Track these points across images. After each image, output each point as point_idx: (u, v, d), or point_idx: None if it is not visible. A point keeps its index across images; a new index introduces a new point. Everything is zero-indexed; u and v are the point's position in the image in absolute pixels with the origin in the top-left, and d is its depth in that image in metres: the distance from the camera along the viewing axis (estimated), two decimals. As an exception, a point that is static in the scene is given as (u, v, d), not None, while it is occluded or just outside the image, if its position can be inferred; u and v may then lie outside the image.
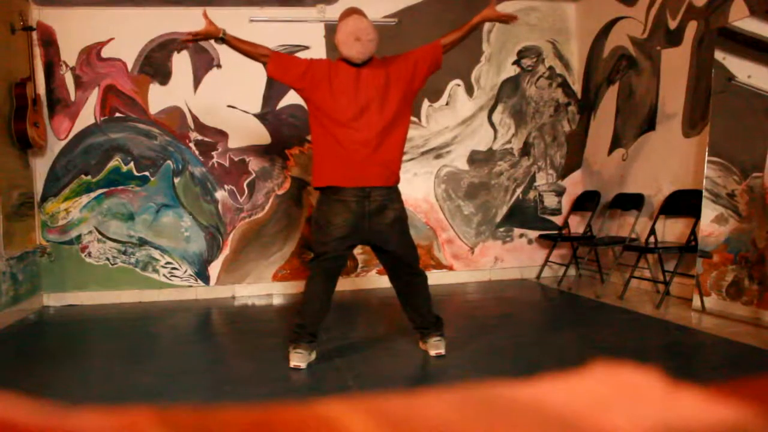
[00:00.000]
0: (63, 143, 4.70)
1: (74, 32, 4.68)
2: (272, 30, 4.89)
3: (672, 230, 4.22)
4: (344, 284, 4.96)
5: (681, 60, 4.17)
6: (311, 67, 2.84)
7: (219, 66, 4.85)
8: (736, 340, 3.01)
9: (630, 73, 4.72)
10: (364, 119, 2.75)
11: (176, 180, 4.81)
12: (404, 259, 2.89)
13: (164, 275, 4.81)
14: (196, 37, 2.86)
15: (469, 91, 5.21)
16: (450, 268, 5.20)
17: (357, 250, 4.99)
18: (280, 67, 2.86)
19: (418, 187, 5.13)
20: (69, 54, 4.69)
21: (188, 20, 4.79)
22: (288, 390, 2.58)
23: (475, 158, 5.23)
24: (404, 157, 5.08)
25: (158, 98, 4.79)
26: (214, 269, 4.88)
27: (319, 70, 2.82)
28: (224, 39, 2.85)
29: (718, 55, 3.75)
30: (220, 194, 4.87)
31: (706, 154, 3.79)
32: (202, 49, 4.83)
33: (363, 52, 2.76)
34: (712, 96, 3.80)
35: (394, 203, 2.84)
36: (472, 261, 5.25)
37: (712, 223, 3.72)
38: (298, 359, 2.78)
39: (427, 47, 2.92)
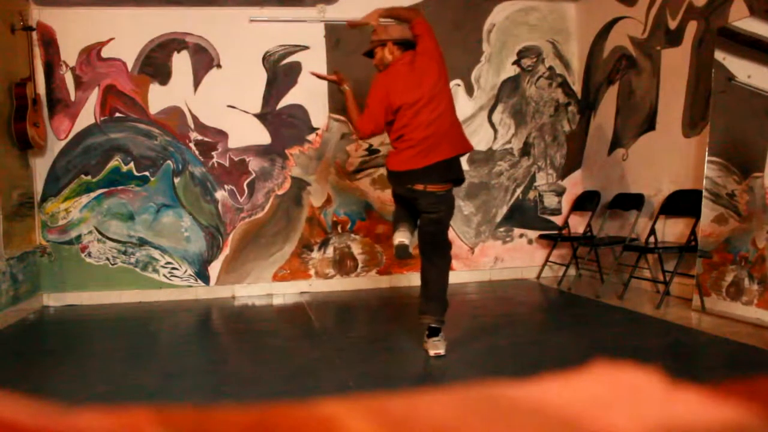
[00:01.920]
0: (63, 143, 4.70)
1: (74, 32, 4.68)
2: (272, 30, 4.89)
3: (672, 230, 4.22)
4: (344, 284, 4.97)
5: (681, 60, 4.17)
6: (386, 97, 3.09)
7: (219, 66, 4.85)
8: (736, 340, 3.01)
9: (630, 73, 4.72)
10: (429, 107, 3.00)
11: (176, 180, 4.81)
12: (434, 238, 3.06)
13: (164, 275, 4.81)
14: (325, 77, 3.61)
15: (469, 91, 5.21)
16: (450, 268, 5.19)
17: (357, 250, 5.01)
18: (370, 123, 3.14)
19: (418, 187, 5.12)
20: (69, 54, 4.69)
21: (188, 20, 4.81)
22: (288, 390, 2.58)
23: (475, 158, 5.23)
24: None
25: (158, 98, 4.79)
26: (214, 269, 4.87)
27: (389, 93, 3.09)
28: (344, 92, 3.33)
29: (718, 55, 3.75)
30: (220, 194, 4.87)
31: (706, 154, 3.79)
32: (202, 49, 4.83)
33: None
34: (712, 96, 3.80)
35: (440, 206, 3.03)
36: (472, 261, 5.25)
37: (712, 223, 3.72)
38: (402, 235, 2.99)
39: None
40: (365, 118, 3.12)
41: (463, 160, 5.21)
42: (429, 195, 2.93)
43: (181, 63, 4.82)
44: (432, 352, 2.91)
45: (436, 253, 3.06)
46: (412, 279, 5.08)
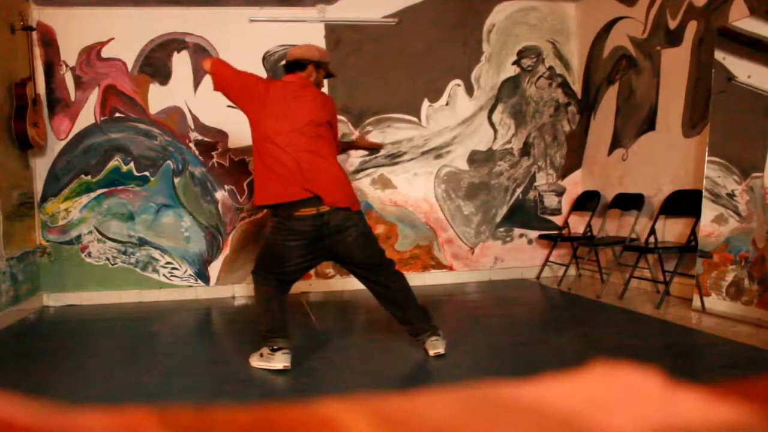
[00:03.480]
0: (63, 143, 4.70)
1: (74, 32, 4.68)
2: (272, 30, 4.89)
3: (672, 230, 4.22)
4: (344, 284, 4.97)
5: (681, 60, 4.17)
6: None
7: (219, 66, 4.84)
8: (736, 340, 3.01)
9: (630, 73, 4.72)
10: None
11: (176, 180, 4.81)
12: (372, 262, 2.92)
13: (164, 275, 4.81)
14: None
15: (469, 91, 5.21)
16: (450, 268, 5.20)
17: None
18: None
19: (418, 187, 5.13)
20: (69, 54, 4.69)
21: (188, 20, 4.81)
22: (288, 390, 2.58)
23: (475, 158, 5.23)
24: (405, 157, 5.11)
25: (158, 98, 4.79)
26: (214, 269, 4.87)
27: None
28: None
29: (718, 55, 3.75)
30: (220, 194, 4.87)
31: (706, 154, 3.79)
32: (202, 49, 4.83)
33: None
34: (712, 96, 3.80)
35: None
36: (472, 261, 5.25)
37: (712, 223, 3.72)
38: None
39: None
40: None
41: (464, 160, 5.26)
42: (339, 211, 2.77)
43: (181, 63, 4.82)
44: (432, 352, 2.90)
45: (389, 273, 2.94)
46: (413, 279, 5.06)
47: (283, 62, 3.03)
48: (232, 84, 2.83)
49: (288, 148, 2.77)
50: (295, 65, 2.92)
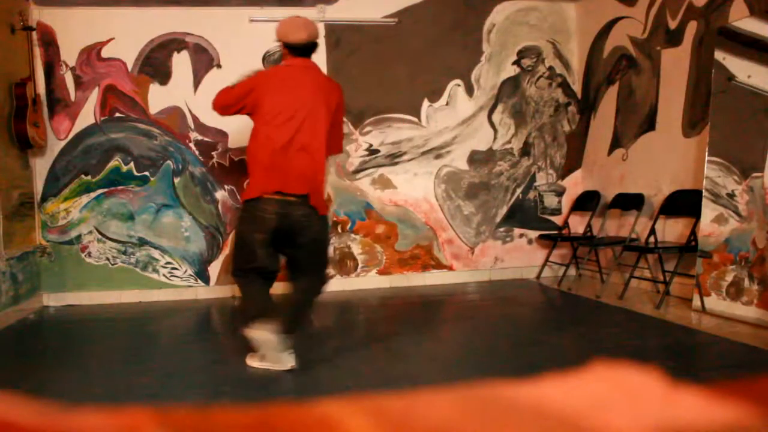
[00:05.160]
0: (63, 143, 4.70)
1: (74, 32, 4.68)
2: (272, 30, 4.88)
3: (672, 230, 4.22)
4: (344, 284, 4.97)
5: (681, 60, 4.17)
6: None
7: (219, 66, 4.84)
8: (736, 340, 3.01)
9: (630, 73, 4.72)
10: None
11: (176, 180, 4.81)
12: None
13: (164, 275, 4.81)
14: None
15: (469, 91, 5.21)
16: (450, 268, 5.20)
17: (357, 250, 5.01)
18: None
19: (418, 187, 5.13)
20: (69, 54, 4.69)
21: (188, 20, 4.81)
22: (288, 390, 2.58)
23: (475, 158, 5.23)
24: (405, 157, 5.11)
25: (158, 98, 4.79)
26: (214, 269, 4.87)
27: None
28: None
29: (718, 55, 3.75)
30: (220, 194, 4.87)
31: (706, 154, 3.79)
32: (202, 49, 4.83)
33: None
34: (712, 96, 3.80)
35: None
36: (472, 261, 5.24)
37: (712, 223, 3.72)
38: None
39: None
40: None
41: (463, 160, 5.26)
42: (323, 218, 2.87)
43: (181, 63, 4.82)
44: (274, 366, 2.75)
45: (322, 271, 3.00)
46: (413, 279, 5.09)
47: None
48: None
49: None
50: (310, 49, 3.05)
